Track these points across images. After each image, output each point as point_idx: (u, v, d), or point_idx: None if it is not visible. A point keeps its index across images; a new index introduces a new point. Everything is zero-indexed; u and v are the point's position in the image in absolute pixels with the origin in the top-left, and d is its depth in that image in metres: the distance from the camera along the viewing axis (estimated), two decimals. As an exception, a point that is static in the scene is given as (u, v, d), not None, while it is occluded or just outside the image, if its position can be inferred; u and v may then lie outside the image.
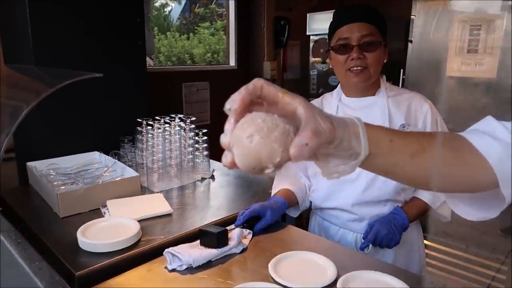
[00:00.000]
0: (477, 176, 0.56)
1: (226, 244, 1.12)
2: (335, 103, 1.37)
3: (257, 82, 0.49)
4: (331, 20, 1.34)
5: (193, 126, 1.67)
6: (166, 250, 1.08)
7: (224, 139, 0.48)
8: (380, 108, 1.30)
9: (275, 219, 1.29)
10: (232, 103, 0.48)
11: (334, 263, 1.04)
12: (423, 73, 2.39)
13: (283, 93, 0.49)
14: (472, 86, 2.22)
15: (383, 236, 1.20)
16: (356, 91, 1.34)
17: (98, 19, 1.77)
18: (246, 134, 0.45)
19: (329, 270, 1.02)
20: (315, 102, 1.45)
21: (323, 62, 3.12)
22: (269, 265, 1.03)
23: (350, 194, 1.31)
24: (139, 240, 1.18)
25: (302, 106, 0.48)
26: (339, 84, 1.40)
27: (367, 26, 1.25)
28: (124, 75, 1.87)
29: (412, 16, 2.41)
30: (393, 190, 1.28)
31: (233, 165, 0.47)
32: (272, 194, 1.42)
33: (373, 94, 1.33)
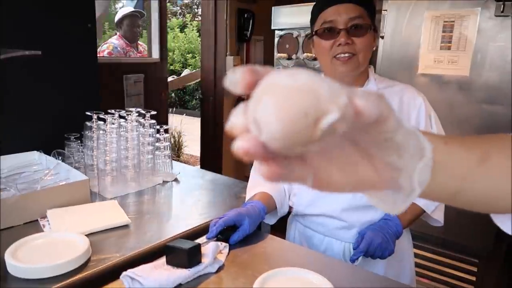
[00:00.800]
0: None
1: (199, 262, 0.92)
2: None
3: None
4: (313, 6, 1.17)
5: (153, 121, 1.44)
6: (123, 273, 0.86)
7: (236, 120, 0.29)
8: None
9: (253, 228, 1.11)
10: (238, 71, 0.29)
11: (328, 279, 0.87)
12: (395, 70, 2.31)
13: None
14: (444, 84, 2.16)
15: (376, 246, 1.05)
16: (342, 82, 1.18)
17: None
18: (285, 75, 0.26)
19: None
20: None
21: (289, 58, 2.98)
22: (254, 286, 0.85)
23: (339, 198, 1.15)
24: (88, 260, 0.94)
25: None
26: (322, 75, 1.24)
27: (356, 8, 1.09)
28: (71, 61, 1.60)
29: (383, 11, 2.32)
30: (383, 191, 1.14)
31: (256, 147, 0.27)
32: (247, 198, 1.24)
33: (361, 86, 1.18)
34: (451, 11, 2.11)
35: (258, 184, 1.26)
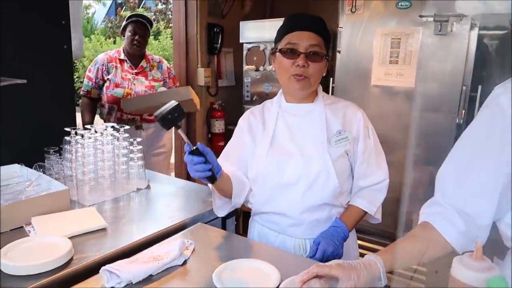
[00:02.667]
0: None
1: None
2: (276, 109, 1.40)
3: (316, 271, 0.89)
4: (281, 25, 1.35)
5: (126, 135, 1.60)
6: (102, 268, 1.01)
7: None
8: (318, 115, 1.35)
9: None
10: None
11: (277, 268, 1.05)
12: (351, 82, 2.54)
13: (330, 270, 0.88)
14: (394, 94, 2.40)
15: (329, 254, 1.23)
16: (296, 97, 1.38)
17: (20, 20, 1.63)
18: None
19: (272, 276, 1.03)
20: (256, 109, 1.47)
21: (257, 69, 3.17)
22: (213, 275, 1.02)
23: (289, 198, 1.33)
24: (71, 259, 1.10)
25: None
26: (280, 91, 1.43)
27: (316, 37, 1.28)
28: (48, 81, 1.74)
29: (339, 28, 2.55)
30: (331, 195, 1.32)
31: None
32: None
33: (312, 101, 1.38)
34: (397, 29, 2.35)
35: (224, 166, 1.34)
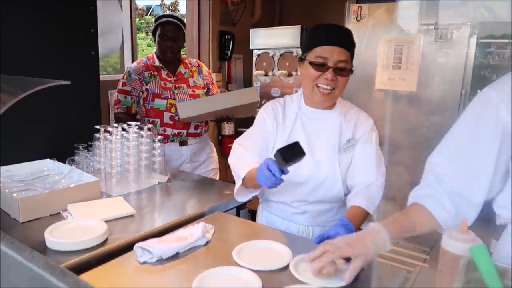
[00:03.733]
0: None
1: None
2: (295, 110, 1.48)
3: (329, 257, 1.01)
4: (312, 32, 1.41)
5: (150, 133, 1.75)
6: (136, 244, 1.15)
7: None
8: (334, 123, 1.44)
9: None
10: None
11: (289, 248, 1.19)
12: (356, 86, 2.67)
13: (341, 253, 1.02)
14: (397, 98, 2.53)
15: (343, 234, 1.18)
16: (316, 107, 1.45)
17: (53, 27, 1.80)
18: None
19: (285, 254, 1.16)
20: (278, 102, 1.53)
21: (266, 74, 3.32)
22: (233, 252, 1.15)
23: (296, 194, 1.46)
24: (107, 239, 1.24)
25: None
26: (301, 92, 1.50)
27: (345, 53, 1.34)
28: (76, 85, 1.89)
29: (345, 35, 2.69)
30: (333, 195, 1.44)
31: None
32: (241, 176, 1.40)
33: (330, 108, 1.46)
34: (400, 37, 2.49)
35: (246, 165, 1.41)
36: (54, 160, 1.73)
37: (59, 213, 1.42)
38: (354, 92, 2.78)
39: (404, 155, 2.51)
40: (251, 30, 3.33)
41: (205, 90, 2.53)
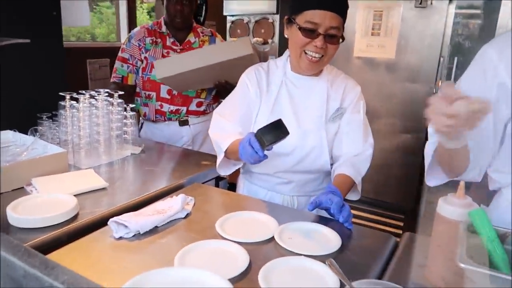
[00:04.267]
0: None
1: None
2: (280, 76, 1.39)
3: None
4: None
5: (120, 100, 1.62)
6: (110, 219, 1.06)
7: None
8: (321, 91, 1.37)
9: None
10: None
11: (274, 218, 1.13)
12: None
13: None
14: (375, 65, 2.49)
15: (336, 201, 1.14)
16: (303, 73, 1.37)
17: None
18: None
19: (270, 225, 1.11)
20: (261, 67, 1.44)
21: (240, 42, 3.19)
22: (216, 224, 1.09)
23: (282, 164, 1.39)
24: (77, 214, 1.14)
25: None
26: (287, 57, 1.40)
27: (338, 19, 1.23)
28: (38, 48, 1.72)
29: (323, 0, 2.60)
30: (319, 166, 1.39)
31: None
32: (223, 149, 1.34)
33: (317, 75, 1.38)
34: (379, 2, 2.42)
35: (227, 136, 1.34)
36: (15, 131, 1.59)
37: (23, 188, 1.30)
38: (332, 60, 2.72)
39: (381, 122, 2.49)
40: (224, -5, 3.18)
41: None
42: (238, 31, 3.20)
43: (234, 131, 1.36)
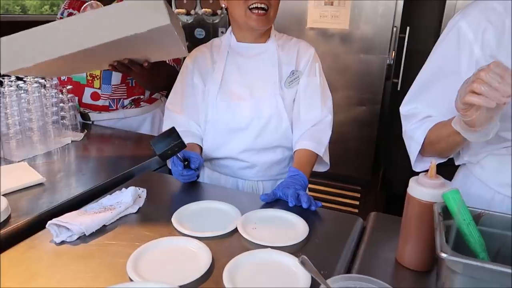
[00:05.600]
0: None
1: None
2: (225, 49, 1.33)
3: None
4: None
5: (55, 81, 1.43)
6: (49, 222, 0.93)
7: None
8: (270, 56, 1.31)
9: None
10: None
11: (235, 206, 1.05)
12: (286, 25, 2.50)
13: None
14: (329, 36, 2.42)
15: (290, 193, 1.08)
16: (251, 35, 1.30)
17: None
18: None
19: (233, 214, 1.02)
20: (204, 47, 1.38)
21: (188, 13, 3.00)
22: (172, 219, 0.99)
23: (241, 142, 1.31)
24: (9, 217, 0.99)
25: None
26: (230, 29, 1.35)
27: None
28: None
29: (274, -32, 2.46)
30: (283, 137, 1.32)
31: None
32: None
33: (264, 41, 1.33)
34: (332, -31, 2.32)
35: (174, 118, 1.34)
36: None
37: None
38: (284, 30, 2.60)
39: (337, 95, 2.46)
40: (167, -40, 2.93)
41: None
42: (185, 1, 2.99)
43: (186, 125, 1.33)
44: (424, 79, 1.04)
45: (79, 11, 1.66)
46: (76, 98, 1.70)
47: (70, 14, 1.74)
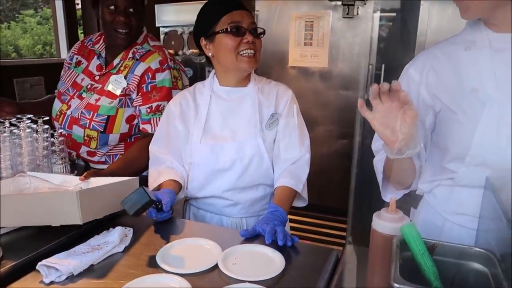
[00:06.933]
0: None
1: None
2: (208, 93, 1.41)
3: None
4: (208, 8, 1.37)
5: (46, 126, 1.51)
6: (39, 263, 0.98)
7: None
8: (251, 99, 1.39)
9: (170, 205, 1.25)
10: None
11: (218, 243, 1.11)
12: (269, 64, 2.64)
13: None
14: (309, 74, 2.56)
15: (267, 231, 1.12)
16: (235, 79, 1.39)
17: None
18: None
19: (214, 250, 1.09)
20: (188, 92, 1.46)
21: (176, 54, 3.14)
22: (157, 257, 1.05)
23: (224, 182, 1.38)
24: (1, 259, 1.04)
25: None
26: (212, 73, 1.44)
27: (251, 16, 1.35)
28: None
29: (256, 12, 2.63)
30: (264, 175, 1.39)
31: None
32: (154, 186, 1.38)
33: (245, 85, 1.41)
34: (310, 13, 2.49)
35: (160, 175, 1.39)
36: None
37: None
38: (268, 69, 2.76)
39: (319, 129, 2.57)
40: (155, 5, 3.10)
41: (117, 101, 1.65)
42: (173, 42, 3.14)
43: (170, 164, 1.41)
44: None
45: (87, 60, 1.77)
46: (74, 152, 1.76)
47: (78, 62, 1.78)
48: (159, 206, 1.22)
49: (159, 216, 1.23)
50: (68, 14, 2.93)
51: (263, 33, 1.37)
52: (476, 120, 0.97)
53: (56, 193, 1.20)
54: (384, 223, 0.88)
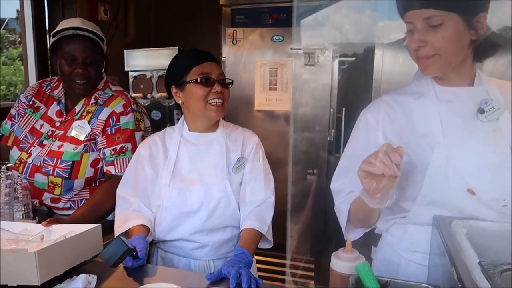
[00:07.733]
0: None
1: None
2: (177, 138, 1.46)
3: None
4: (180, 58, 1.48)
5: (9, 173, 1.50)
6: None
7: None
8: (219, 144, 1.45)
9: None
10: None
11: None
12: (236, 107, 2.73)
13: None
14: (275, 117, 2.67)
15: (232, 274, 1.14)
16: (204, 125, 1.46)
17: None
18: None
19: (179, 296, 1.09)
20: (157, 136, 1.50)
21: (144, 97, 3.18)
22: (121, 304, 1.04)
23: (192, 224, 1.40)
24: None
25: None
26: (182, 119, 1.50)
27: (220, 67, 1.45)
28: None
29: (223, 58, 2.75)
30: (230, 217, 1.43)
31: None
32: (121, 231, 1.37)
33: (214, 131, 1.48)
34: (273, 60, 2.64)
35: (128, 220, 1.39)
36: None
37: None
38: (235, 113, 2.84)
39: (285, 170, 2.64)
40: (125, 51, 3.17)
41: (82, 146, 1.65)
42: (142, 86, 3.19)
43: (137, 207, 1.42)
44: (345, 161, 1.23)
45: (46, 106, 1.75)
46: (36, 200, 1.71)
47: (37, 108, 1.76)
48: (134, 253, 1.23)
49: (135, 264, 1.24)
50: (39, 55, 2.94)
51: (231, 83, 1.46)
52: (426, 163, 1.06)
53: (14, 254, 1.14)
54: (341, 262, 0.93)
